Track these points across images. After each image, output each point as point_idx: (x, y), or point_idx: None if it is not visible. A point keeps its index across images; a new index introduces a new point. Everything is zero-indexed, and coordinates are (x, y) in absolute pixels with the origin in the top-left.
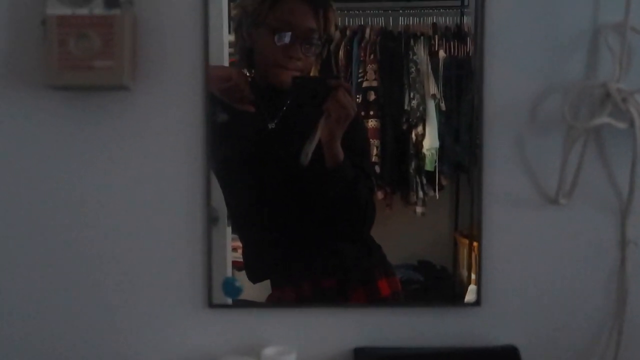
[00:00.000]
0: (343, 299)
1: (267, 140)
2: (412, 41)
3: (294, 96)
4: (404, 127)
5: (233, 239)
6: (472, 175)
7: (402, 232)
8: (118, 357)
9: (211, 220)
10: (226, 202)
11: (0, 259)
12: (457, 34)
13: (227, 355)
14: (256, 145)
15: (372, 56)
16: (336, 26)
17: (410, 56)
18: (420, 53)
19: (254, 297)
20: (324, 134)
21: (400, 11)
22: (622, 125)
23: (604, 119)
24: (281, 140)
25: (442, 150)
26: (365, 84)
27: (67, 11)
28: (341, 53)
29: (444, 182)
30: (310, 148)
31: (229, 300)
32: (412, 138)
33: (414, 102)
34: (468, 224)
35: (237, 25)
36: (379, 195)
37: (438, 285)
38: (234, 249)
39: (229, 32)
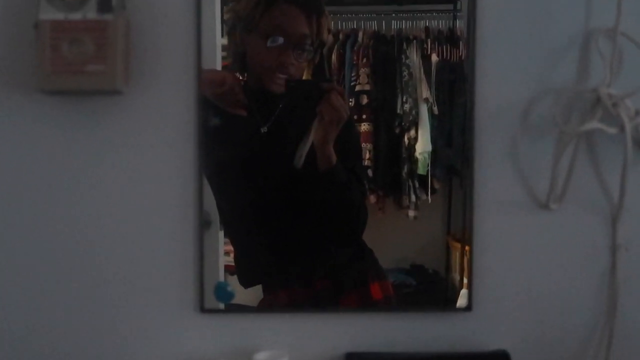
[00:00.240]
0: (335, 303)
1: (259, 143)
2: (404, 45)
3: (288, 99)
4: (397, 130)
5: (225, 243)
6: (465, 179)
7: (395, 235)
8: None
9: (203, 224)
10: (218, 206)
11: None
12: (450, 38)
13: None
14: (249, 148)
15: (364, 60)
16: (329, 31)
17: (403, 60)
18: (413, 57)
19: (246, 301)
20: (317, 137)
21: (393, 15)
22: (612, 130)
23: (595, 124)
24: (274, 143)
25: (434, 154)
26: (358, 88)
27: (60, 16)
28: (334, 57)
29: (437, 186)
30: (303, 150)
31: (221, 305)
32: (404, 142)
33: (407, 106)
34: (460, 227)
35: (230, 29)
36: (372, 198)
37: (430, 289)
38: (227, 253)
39: (222, 36)
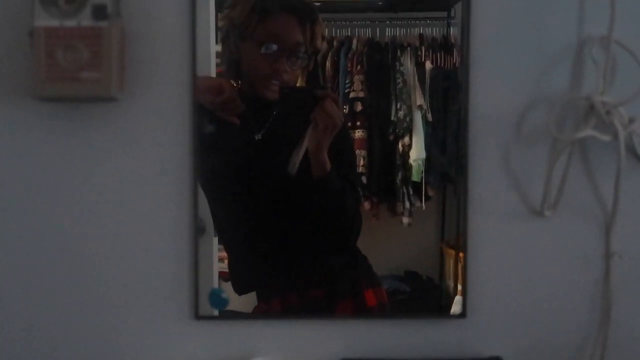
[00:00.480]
0: (330, 310)
1: (254, 150)
2: (399, 52)
3: (282, 106)
4: (391, 137)
5: (220, 250)
6: (459, 186)
7: (389, 242)
8: None
9: (198, 230)
10: (212, 213)
11: None
12: (444, 45)
13: None
14: (243, 156)
15: (359, 67)
16: (323, 38)
17: (397, 67)
18: (407, 64)
19: (241, 308)
20: (311, 144)
21: (387, 22)
22: (606, 137)
23: (589, 132)
24: (268, 151)
25: (428, 161)
26: (352, 95)
27: (55, 23)
28: (328, 64)
29: (431, 193)
30: (297, 157)
31: (216, 312)
32: (398, 149)
33: (401, 113)
34: (454, 234)
35: (224, 36)
36: (366, 205)
37: (424, 296)
38: (221, 260)
39: (216, 43)
